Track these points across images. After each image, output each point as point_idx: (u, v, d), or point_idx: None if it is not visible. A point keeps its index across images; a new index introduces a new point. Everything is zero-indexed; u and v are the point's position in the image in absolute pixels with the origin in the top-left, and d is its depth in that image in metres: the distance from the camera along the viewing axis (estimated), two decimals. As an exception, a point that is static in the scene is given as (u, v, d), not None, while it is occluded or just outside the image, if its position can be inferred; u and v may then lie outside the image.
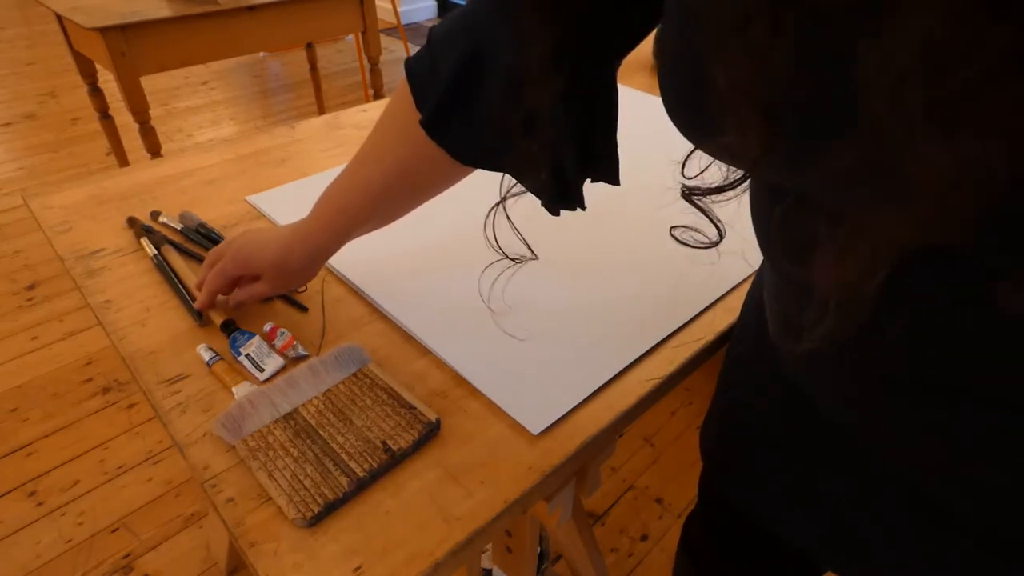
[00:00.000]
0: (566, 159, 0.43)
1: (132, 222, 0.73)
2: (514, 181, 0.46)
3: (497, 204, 0.47)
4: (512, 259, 0.54)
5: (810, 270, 0.25)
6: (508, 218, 0.47)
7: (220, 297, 0.60)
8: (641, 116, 1.01)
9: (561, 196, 0.46)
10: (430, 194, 0.55)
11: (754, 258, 0.70)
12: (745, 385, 0.51)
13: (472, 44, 0.43)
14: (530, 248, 0.57)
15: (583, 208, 0.47)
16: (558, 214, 0.47)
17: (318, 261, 0.57)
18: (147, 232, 0.70)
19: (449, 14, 0.46)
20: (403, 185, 0.52)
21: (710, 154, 0.31)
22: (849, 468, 0.41)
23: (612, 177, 0.46)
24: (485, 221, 0.48)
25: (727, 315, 0.62)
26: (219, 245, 0.60)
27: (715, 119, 0.25)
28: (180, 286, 0.63)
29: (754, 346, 0.50)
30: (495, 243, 0.50)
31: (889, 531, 0.40)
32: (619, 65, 0.43)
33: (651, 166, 0.87)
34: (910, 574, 0.40)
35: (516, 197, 0.47)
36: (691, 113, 0.29)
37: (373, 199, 0.53)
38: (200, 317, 0.60)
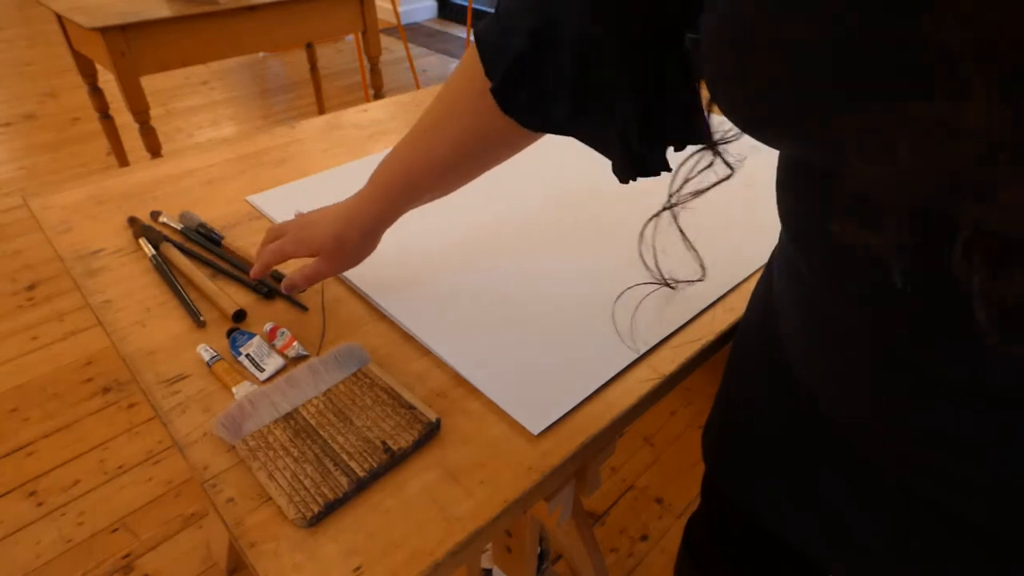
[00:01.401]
0: (630, 128, 0.42)
1: (133, 222, 0.73)
2: (678, 185, 0.43)
3: (660, 211, 0.43)
4: (669, 284, 0.50)
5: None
6: (680, 230, 0.43)
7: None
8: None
9: (635, 164, 0.45)
10: (495, 163, 0.54)
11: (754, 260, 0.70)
12: (747, 385, 0.51)
13: (545, 11, 0.42)
14: (703, 266, 0.49)
15: (667, 170, 0.45)
16: (627, 182, 0.46)
17: (376, 233, 0.57)
18: (146, 232, 0.70)
19: None
20: (469, 154, 0.52)
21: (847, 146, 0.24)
22: (849, 468, 0.41)
23: (697, 137, 0.43)
24: (642, 234, 0.43)
25: (727, 315, 0.62)
26: (280, 223, 0.60)
27: (918, 84, 0.20)
28: (178, 286, 0.63)
29: (756, 346, 0.50)
30: (655, 267, 0.46)
31: (889, 531, 0.40)
32: (691, 27, 0.42)
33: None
34: (910, 574, 0.40)
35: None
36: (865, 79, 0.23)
37: (437, 168, 0.52)
38: (199, 318, 0.60)
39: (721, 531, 0.61)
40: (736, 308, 0.63)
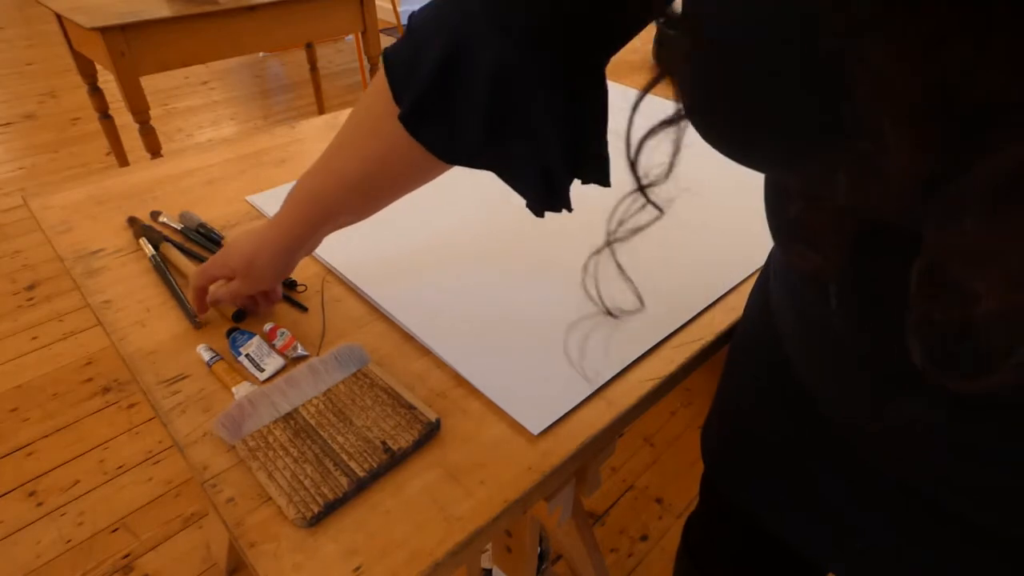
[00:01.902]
0: (552, 159, 0.42)
1: (132, 221, 0.73)
2: (618, 223, 0.42)
3: (601, 249, 0.43)
4: (612, 314, 0.50)
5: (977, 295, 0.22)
6: (618, 265, 0.43)
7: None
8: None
9: (547, 197, 0.45)
10: (407, 189, 0.53)
11: (755, 260, 0.70)
12: (746, 385, 0.51)
13: (455, 36, 0.41)
14: (640, 298, 0.51)
15: (569, 210, 0.45)
16: (542, 216, 0.46)
17: (291, 256, 0.55)
18: (146, 232, 0.70)
19: (431, 1, 0.43)
20: (379, 178, 0.50)
21: (786, 175, 0.27)
22: (848, 468, 0.41)
23: (602, 178, 0.44)
24: (585, 269, 0.44)
25: (727, 315, 0.62)
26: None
27: (838, 129, 0.23)
28: (176, 287, 0.63)
29: (755, 346, 0.50)
30: (598, 298, 0.46)
31: (888, 532, 0.40)
32: (607, 63, 0.42)
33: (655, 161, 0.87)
34: (910, 574, 0.41)
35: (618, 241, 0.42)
36: (790, 129, 0.25)
37: (347, 192, 0.51)
38: (195, 319, 0.60)
39: (720, 531, 0.61)
40: (736, 308, 0.63)
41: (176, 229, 0.73)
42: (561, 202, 0.45)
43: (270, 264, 0.55)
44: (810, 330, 0.39)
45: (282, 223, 0.54)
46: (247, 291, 0.57)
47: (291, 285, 0.65)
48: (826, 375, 0.39)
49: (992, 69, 0.18)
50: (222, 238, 0.71)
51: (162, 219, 0.74)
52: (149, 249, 0.68)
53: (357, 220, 0.55)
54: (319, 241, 0.57)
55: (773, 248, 0.48)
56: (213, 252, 0.69)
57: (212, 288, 0.58)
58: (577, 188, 0.46)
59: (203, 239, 0.71)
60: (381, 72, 0.46)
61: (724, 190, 0.82)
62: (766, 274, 0.49)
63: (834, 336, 0.36)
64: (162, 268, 0.66)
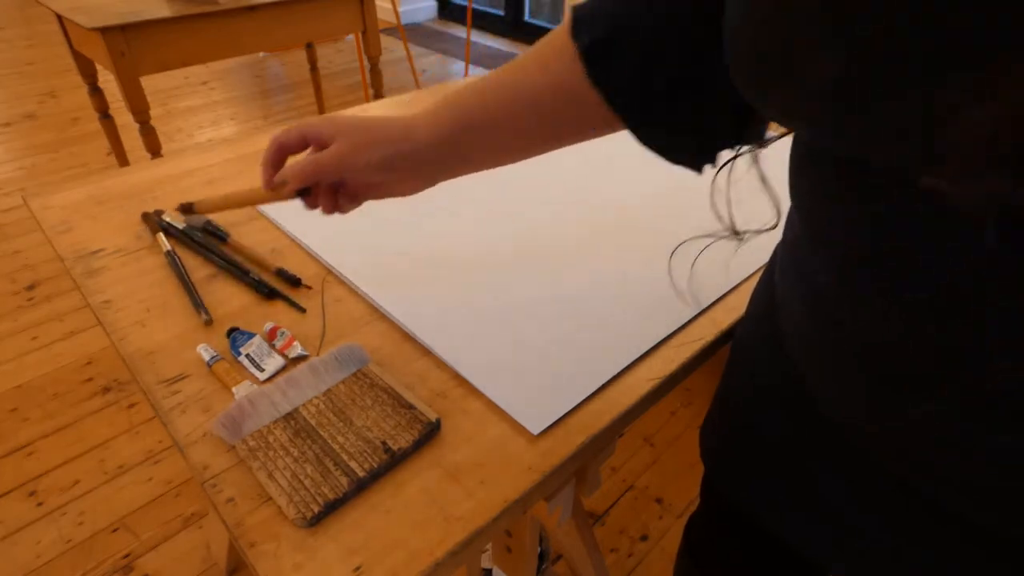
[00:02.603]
0: (721, 118, 0.42)
1: (149, 217, 0.74)
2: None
3: (732, 159, 0.42)
4: (738, 233, 0.46)
5: None
6: (762, 177, 0.41)
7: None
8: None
9: (705, 156, 0.44)
10: (549, 142, 0.49)
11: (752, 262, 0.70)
12: (746, 383, 0.51)
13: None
14: (779, 209, 0.46)
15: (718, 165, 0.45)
16: (701, 171, 0.45)
17: (403, 155, 0.48)
18: (163, 229, 0.70)
19: None
20: (532, 117, 0.47)
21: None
22: (849, 468, 0.41)
23: (762, 139, 0.44)
24: (713, 183, 0.41)
25: (727, 315, 0.62)
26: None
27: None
28: (190, 282, 0.63)
29: (756, 345, 0.50)
30: (728, 214, 0.43)
31: (888, 532, 0.40)
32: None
33: (654, 166, 0.87)
34: (910, 574, 0.41)
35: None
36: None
37: (493, 119, 0.47)
38: (205, 312, 0.60)
39: (720, 530, 0.61)
40: (735, 308, 0.63)
41: (180, 228, 0.73)
42: (716, 160, 0.45)
43: (384, 141, 0.48)
44: (814, 324, 0.39)
45: (416, 121, 0.49)
46: (337, 166, 0.48)
47: (295, 283, 0.65)
48: (826, 375, 0.39)
49: None
50: (228, 236, 0.71)
51: (166, 217, 0.75)
52: (165, 244, 0.68)
53: (484, 167, 0.51)
54: (432, 179, 0.52)
55: (779, 243, 0.48)
56: (219, 251, 0.69)
57: (289, 161, 0.51)
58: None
59: (207, 239, 0.71)
60: (565, 20, 0.45)
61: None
62: (771, 269, 0.49)
63: (836, 335, 0.36)
64: (177, 264, 0.66)
